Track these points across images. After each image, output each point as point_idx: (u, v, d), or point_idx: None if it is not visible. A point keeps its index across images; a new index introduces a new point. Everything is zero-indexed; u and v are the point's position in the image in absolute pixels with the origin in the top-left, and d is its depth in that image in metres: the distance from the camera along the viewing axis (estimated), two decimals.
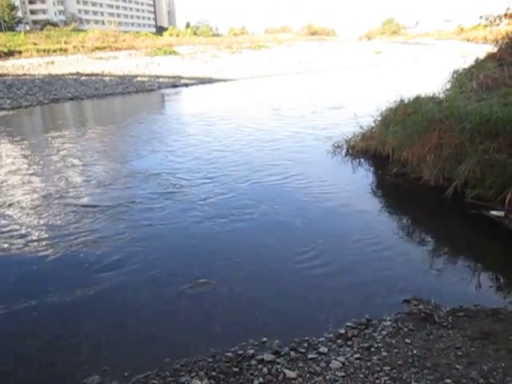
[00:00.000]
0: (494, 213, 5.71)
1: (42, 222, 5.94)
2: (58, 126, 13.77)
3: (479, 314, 3.74)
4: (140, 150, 9.78)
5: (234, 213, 6.08)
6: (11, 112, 16.67)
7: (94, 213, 6.16)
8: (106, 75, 27.42)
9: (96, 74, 27.76)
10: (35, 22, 75.78)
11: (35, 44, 43.48)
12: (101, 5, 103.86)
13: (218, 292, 4.21)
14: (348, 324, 3.64)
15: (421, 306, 3.85)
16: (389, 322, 3.64)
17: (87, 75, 27.52)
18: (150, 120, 13.87)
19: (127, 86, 22.81)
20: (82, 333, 3.67)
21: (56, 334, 3.67)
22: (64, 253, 5.04)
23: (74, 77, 26.64)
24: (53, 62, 33.77)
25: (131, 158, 9.26)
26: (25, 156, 9.65)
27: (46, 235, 5.50)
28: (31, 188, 7.38)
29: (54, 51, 40.66)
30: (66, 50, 41.71)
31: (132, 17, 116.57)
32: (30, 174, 8.17)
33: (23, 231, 5.64)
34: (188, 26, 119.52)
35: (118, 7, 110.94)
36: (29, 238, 5.42)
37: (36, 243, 5.29)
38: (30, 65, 31.49)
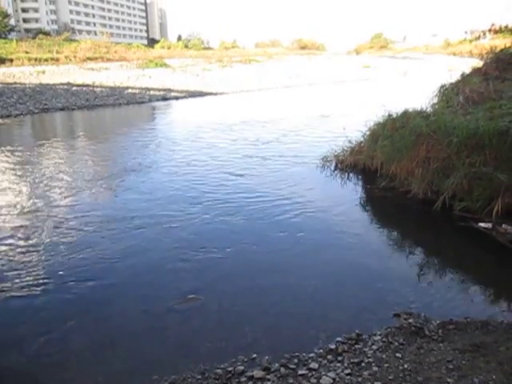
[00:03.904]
0: (481, 225, 5.78)
1: (23, 236, 5.83)
2: (47, 136, 13.67)
3: (469, 327, 3.76)
4: (128, 165, 9.60)
5: (222, 227, 6.05)
6: (0, 121, 16.54)
7: (80, 229, 6.06)
8: (97, 86, 27.36)
9: (87, 85, 27.69)
10: (27, 31, 75.69)
11: (27, 52, 43.32)
12: (93, 15, 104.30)
13: (207, 308, 4.18)
14: (338, 339, 3.63)
15: (411, 320, 3.86)
16: (379, 337, 3.64)
17: (78, 86, 27.43)
18: (139, 133, 13.73)
19: (118, 98, 22.77)
20: (69, 349, 3.61)
21: (42, 350, 3.60)
22: (51, 267, 4.97)
23: (65, 87, 26.53)
24: (44, 72, 33.65)
25: (119, 172, 9.07)
26: (10, 168, 9.49)
27: (33, 251, 5.39)
28: (11, 203, 7.19)
29: (46, 60, 40.54)
30: (57, 60, 41.61)
31: (124, 28, 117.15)
32: (13, 189, 7.98)
33: (7, 247, 5.54)
34: (179, 38, 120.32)
35: (110, 18, 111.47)
36: (15, 258, 5.28)
37: (22, 259, 5.19)
38: (21, 73, 31.33)
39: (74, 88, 26.23)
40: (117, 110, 20.38)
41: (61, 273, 4.84)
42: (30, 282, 4.64)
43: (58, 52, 45.84)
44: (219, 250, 5.38)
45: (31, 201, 7.26)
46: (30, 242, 5.67)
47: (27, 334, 3.81)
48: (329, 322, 3.93)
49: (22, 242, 5.64)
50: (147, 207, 6.89)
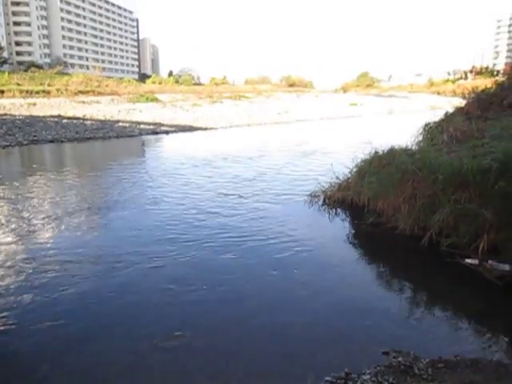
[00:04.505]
0: (468, 261, 5.82)
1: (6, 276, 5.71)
2: (32, 168, 13.62)
3: (459, 365, 3.72)
4: (113, 201, 9.39)
5: (207, 266, 5.97)
6: None
7: (60, 267, 5.91)
8: (87, 119, 27.56)
9: (77, 118, 27.87)
10: (20, 63, 76.68)
11: (18, 84, 43.64)
12: (86, 50, 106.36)
13: (193, 345, 4.09)
14: (327, 378, 3.57)
15: (400, 358, 3.82)
16: (368, 376, 3.58)
17: (69, 118, 27.59)
18: (123, 168, 13.60)
19: (108, 131, 22.91)
20: None
21: None
22: (34, 304, 4.84)
23: (56, 119, 26.67)
24: (35, 104, 33.85)
25: (105, 209, 8.89)
26: None
27: (15, 291, 5.22)
28: None
29: (37, 93, 40.83)
30: (48, 93, 41.95)
31: (116, 63, 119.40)
32: None
33: None
34: (171, 74, 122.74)
35: (103, 53, 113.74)
36: None
37: (5, 298, 5.07)
38: (12, 105, 31.46)
39: (65, 120, 26.39)
40: (106, 143, 20.47)
41: (40, 310, 4.72)
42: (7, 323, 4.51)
43: (49, 85, 46.27)
44: (205, 287, 5.30)
45: (7, 236, 7.08)
46: (5, 282, 5.45)
47: (2, 372, 3.68)
48: (317, 361, 3.86)
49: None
50: (127, 245, 6.70)
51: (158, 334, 4.24)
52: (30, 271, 5.66)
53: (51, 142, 19.86)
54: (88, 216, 8.34)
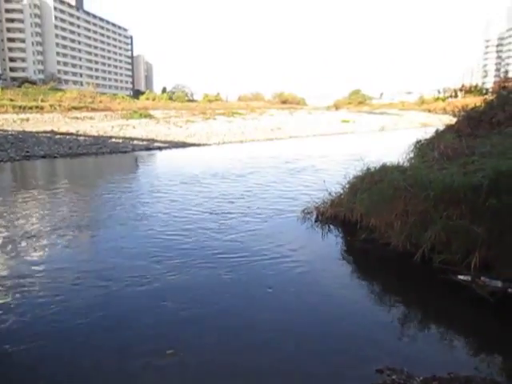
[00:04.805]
0: (461, 277, 5.84)
1: None
2: (23, 184, 13.60)
3: (453, 383, 3.71)
4: (105, 219, 9.27)
5: (201, 281, 5.93)
6: None
7: (50, 284, 5.87)
8: (80, 135, 27.55)
9: (71, 134, 27.85)
10: (14, 79, 76.82)
11: (12, 100, 43.68)
12: (80, 66, 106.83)
13: (185, 364, 4.04)
14: None
15: (394, 376, 3.79)
16: None
17: (62, 134, 27.56)
18: (112, 184, 13.50)
19: (101, 147, 22.92)
20: None
21: None
22: (18, 327, 4.76)
23: (48, 135, 26.63)
24: (28, 119, 33.84)
25: (96, 226, 8.76)
26: None
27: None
28: None
29: (30, 108, 40.87)
30: (42, 108, 41.99)
31: (110, 79, 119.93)
32: None
33: None
34: (164, 90, 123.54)
35: (97, 70, 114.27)
36: None
37: None
38: (4, 120, 31.42)
39: (57, 136, 26.36)
40: (99, 159, 20.46)
41: (31, 328, 4.65)
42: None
43: (42, 100, 46.33)
44: (197, 305, 5.26)
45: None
46: None
47: None
48: (311, 379, 3.83)
49: None
50: (118, 263, 6.60)
51: (149, 353, 4.18)
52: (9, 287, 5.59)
53: (44, 157, 19.82)
54: (70, 234, 8.12)
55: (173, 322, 4.86)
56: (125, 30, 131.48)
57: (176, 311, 5.07)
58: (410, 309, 5.45)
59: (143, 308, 5.18)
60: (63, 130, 29.38)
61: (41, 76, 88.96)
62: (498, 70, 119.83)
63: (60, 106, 44.37)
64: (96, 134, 27.99)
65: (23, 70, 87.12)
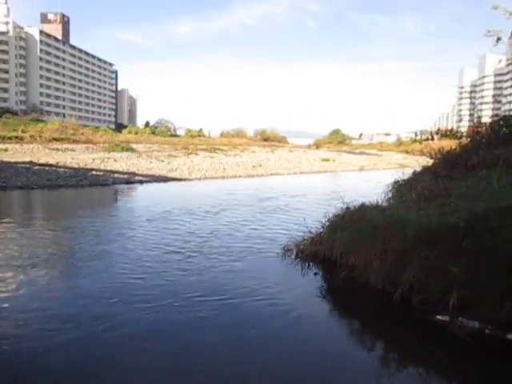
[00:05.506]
0: (439, 317, 5.85)
1: None
2: None
3: None
4: (60, 257, 8.84)
5: (175, 326, 5.71)
6: None
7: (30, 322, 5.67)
8: (60, 166, 27.29)
9: (50, 165, 27.58)
10: None
11: None
12: (64, 99, 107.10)
13: None
14: None
15: None
16: None
17: (41, 165, 27.28)
18: (86, 219, 13.10)
19: (81, 179, 22.69)
20: None
21: None
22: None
23: (27, 165, 26.31)
24: (6, 149, 33.46)
25: (51, 264, 8.26)
26: None
27: None
28: None
29: (10, 139, 40.50)
30: (22, 139, 41.68)
31: (93, 112, 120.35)
32: None
33: None
34: (147, 124, 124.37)
35: (80, 102, 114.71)
36: None
37: None
38: None
39: (36, 167, 26.07)
40: (77, 192, 20.20)
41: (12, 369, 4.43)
42: None
43: (23, 131, 46.01)
44: (178, 343, 5.14)
45: None
46: None
47: None
48: None
49: None
50: (87, 306, 6.17)
51: None
52: None
53: (21, 188, 19.50)
54: (20, 271, 7.68)
55: (148, 369, 4.69)
56: (110, 64, 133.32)
57: (151, 358, 4.90)
58: (389, 349, 5.41)
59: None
60: (43, 161, 29.12)
61: (23, 107, 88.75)
62: (471, 115, 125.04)
63: (41, 137, 44.13)
64: (76, 166, 27.78)
65: (5, 100, 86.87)
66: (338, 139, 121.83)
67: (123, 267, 8.03)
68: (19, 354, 4.73)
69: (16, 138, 42.01)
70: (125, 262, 8.44)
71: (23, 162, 27.60)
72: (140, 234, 11.02)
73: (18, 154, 32.47)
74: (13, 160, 28.22)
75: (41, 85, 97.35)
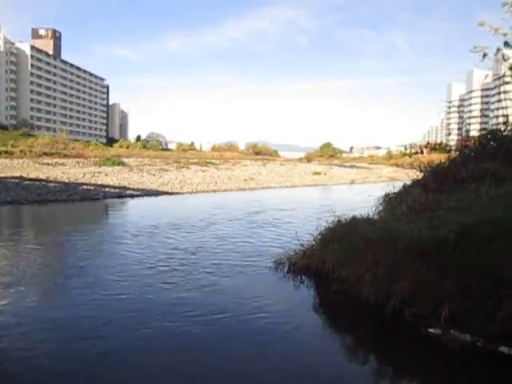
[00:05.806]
0: (431, 330, 5.85)
1: None
2: None
3: None
4: (44, 274, 8.69)
5: (168, 343, 5.62)
6: None
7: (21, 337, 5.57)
8: (50, 181, 27.11)
9: (40, 180, 27.38)
10: None
11: None
12: (54, 113, 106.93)
13: None
14: None
15: None
16: None
17: (31, 180, 27.07)
18: (79, 234, 12.89)
19: (72, 194, 22.52)
20: None
21: None
22: None
23: (17, 180, 26.10)
24: None
25: (32, 282, 8.11)
26: None
27: None
28: None
29: None
30: (11, 153, 41.44)
31: (84, 127, 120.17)
32: None
33: None
34: (138, 138, 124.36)
35: (71, 117, 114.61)
36: None
37: None
38: None
39: (26, 182, 25.87)
40: (68, 206, 20.04)
41: None
42: None
43: (13, 146, 45.76)
44: (167, 362, 5.07)
45: None
46: None
47: None
48: None
49: None
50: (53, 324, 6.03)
51: None
52: None
53: (10, 203, 19.30)
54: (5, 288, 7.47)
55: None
56: (102, 79, 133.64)
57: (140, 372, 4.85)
58: (381, 362, 5.39)
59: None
60: (33, 175, 28.93)
61: (13, 121, 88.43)
62: (460, 128, 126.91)
63: (31, 151, 43.93)
64: (67, 181, 27.62)
65: None
66: (329, 153, 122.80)
67: (106, 284, 7.86)
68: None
69: (6, 152, 41.76)
70: (108, 278, 8.26)
71: (13, 177, 27.37)
72: (136, 248, 10.95)
73: (7, 168, 32.24)
74: (2, 175, 27.99)
75: (31, 99, 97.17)
